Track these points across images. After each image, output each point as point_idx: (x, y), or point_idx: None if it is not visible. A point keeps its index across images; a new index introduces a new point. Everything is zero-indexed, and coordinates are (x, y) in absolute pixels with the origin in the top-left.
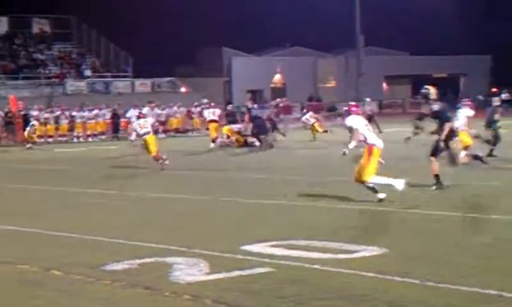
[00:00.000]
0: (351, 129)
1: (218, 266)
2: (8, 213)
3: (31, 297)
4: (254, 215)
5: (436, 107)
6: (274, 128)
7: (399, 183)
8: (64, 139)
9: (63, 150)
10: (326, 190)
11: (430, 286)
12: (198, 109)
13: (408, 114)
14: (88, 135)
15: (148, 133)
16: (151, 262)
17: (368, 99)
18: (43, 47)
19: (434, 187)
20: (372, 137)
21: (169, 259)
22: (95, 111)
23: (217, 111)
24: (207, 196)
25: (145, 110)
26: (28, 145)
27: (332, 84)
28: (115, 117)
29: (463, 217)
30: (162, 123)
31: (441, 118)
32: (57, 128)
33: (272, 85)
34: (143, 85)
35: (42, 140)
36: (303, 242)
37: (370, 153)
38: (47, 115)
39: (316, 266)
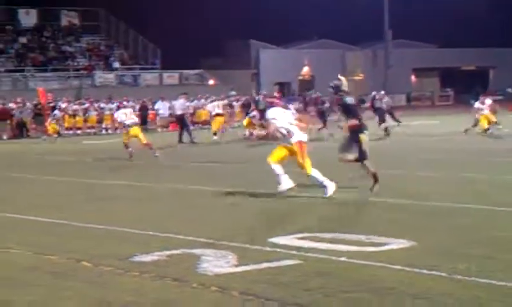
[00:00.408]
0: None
1: (246, 258)
2: (35, 204)
3: (61, 289)
4: (281, 208)
5: (349, 100)
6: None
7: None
8: (93, 131)
9: (92, 142)
10: (354, 182)
11: (457, 279)
12: (226, 101)
13: (436, 107)
14: (116, 127)
15: (135, 123)
16: (179, 254)
17: (382, 92)
18: (72, 39)
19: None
20: (297, 133)
21: (197, 251)
22: (123, 103)
23: (221, 105)
24: (233, 188)
25: (180, 101)
26: (55, 136)
27: (360, 76)
28: (144, 109)
29: (490, 210)
30: (190, 115)
31: (351, 112)
32: (85, 120)
33: (300, 77)
34: (170, 77)
35: (71, 132)
36: (330, 235)
37: (301, 149)
38: (75, 107)
39: (343, 258)
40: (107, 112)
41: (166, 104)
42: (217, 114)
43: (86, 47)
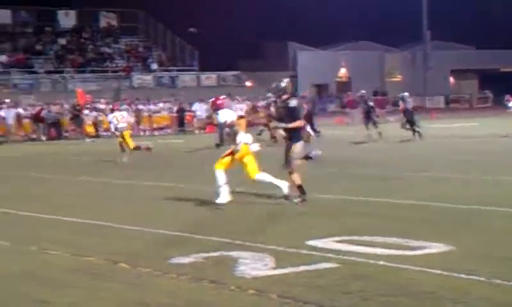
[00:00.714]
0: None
1: (283, 261)
2: (70, 204)
3: (100, 290)
4: (318, 210)
5: (293, 103)
6: (373, 123)
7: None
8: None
9: None
10: (396, 184)
11: (496, 283)
12: (263, 103)
13: (475, 109)
14: (154, 129)
15: (125, 128)
16: (216, 256)
17: (406, 94)
18: (110, 40)
19: (298, 199)
20: (245, 136)
21: (234, 254)
22: (161, 104)
23: (245, 107)
24: (269, 190)
25: (226, 102)
26: (90, 139)
27: (398, 78)
28: (181, 111)
29: None
30: None
31: (295, 115)
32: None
33: (337, 79)
34: (208, 79)
35: (109, 133)
36: (368, 238)
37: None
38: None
39: (381, 262)
40: (145, 114)
41: (204, 106)
42: (240, 117)
43: (125, 49)
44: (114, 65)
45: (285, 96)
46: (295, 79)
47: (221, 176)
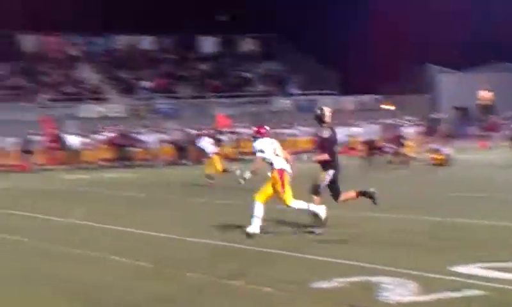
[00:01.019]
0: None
1: (427, 287)
2: (215, 226)
3: None
4: (461, 235)
5: (326, 133)
6: None
7: (321, 210)
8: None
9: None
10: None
11: None
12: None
13: None
14: (296, 152)
15: (216, 153)
16: (357, 281)
17: None
18: (251, 65)
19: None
20: (280, 162)
21: (376, 279)
22: (301, 128)
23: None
24: (410, 214)
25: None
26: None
27: None
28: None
29: None
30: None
31: (325, 146)
32: None
33: (479, 102)
34: (347, 102)
35: (246, 157)
36: None
37: (282, 177)
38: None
39: None
40: (287, 138)
41: (341, 129)
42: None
43: (264, 73)
44: (254, 89)
45: (324, 124)
46: (433, 102)
47: (302, 204)
